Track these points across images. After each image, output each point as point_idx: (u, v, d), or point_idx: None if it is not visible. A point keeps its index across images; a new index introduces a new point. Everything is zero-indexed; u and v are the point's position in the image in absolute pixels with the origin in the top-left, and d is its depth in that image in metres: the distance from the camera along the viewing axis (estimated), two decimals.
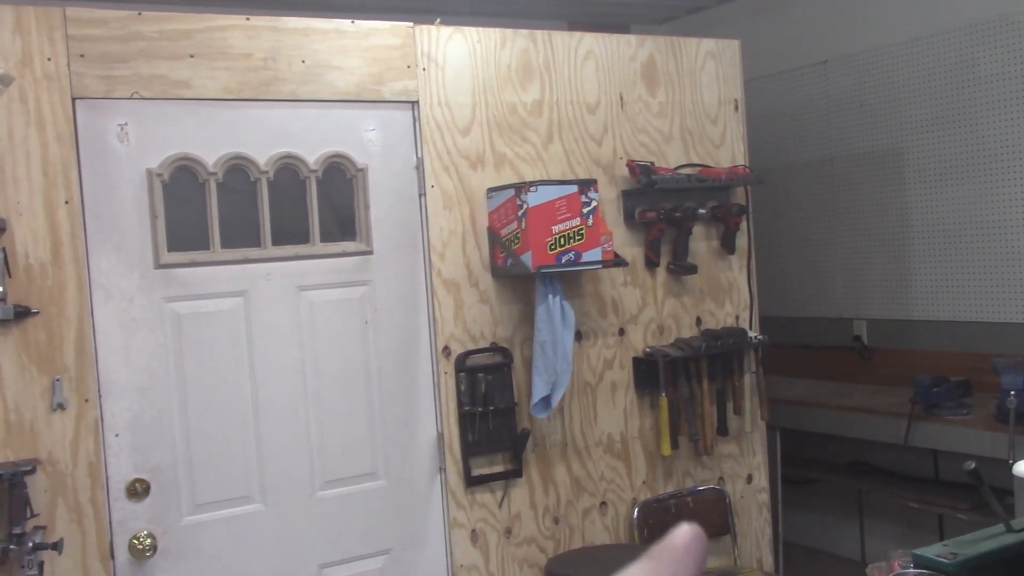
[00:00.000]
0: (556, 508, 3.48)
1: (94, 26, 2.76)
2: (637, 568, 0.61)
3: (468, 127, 3.35)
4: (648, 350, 3.65)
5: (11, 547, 2.50)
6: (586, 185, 3.30)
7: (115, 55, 2.79)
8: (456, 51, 3.33)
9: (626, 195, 3.64)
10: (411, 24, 3.26)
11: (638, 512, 3.62)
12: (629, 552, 3.43)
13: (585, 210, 3.27)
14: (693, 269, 3.73)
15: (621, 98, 3.64)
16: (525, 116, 3.45)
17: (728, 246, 3.85)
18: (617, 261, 3.49)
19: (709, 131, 3.84)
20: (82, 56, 2.74)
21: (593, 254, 3.29)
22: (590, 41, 3.60)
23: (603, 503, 3.58)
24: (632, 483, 3.65)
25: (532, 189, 3.21)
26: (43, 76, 2.68)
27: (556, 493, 3.49)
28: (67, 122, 2.71)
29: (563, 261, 3.24)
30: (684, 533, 0.63)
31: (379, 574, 3.20)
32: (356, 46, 3.15)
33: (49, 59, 2.68)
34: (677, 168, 3.74)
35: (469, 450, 3.31)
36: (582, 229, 3.26)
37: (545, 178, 3.42)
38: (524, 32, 3.48)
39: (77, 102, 2.74)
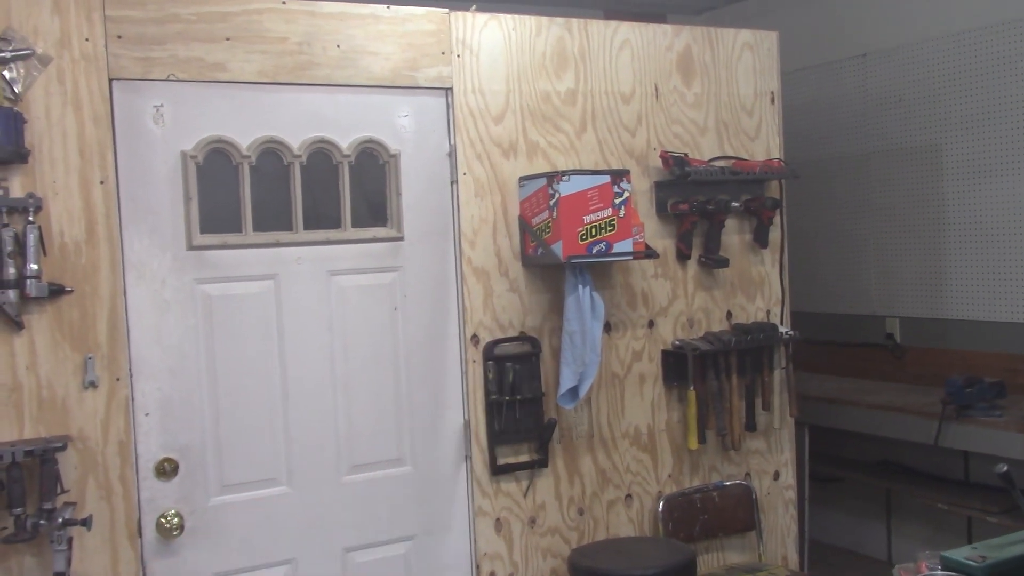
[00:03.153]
0: (581, 499, 3.48)
1: (132, 7, 2.77)
2: None
3: (501, 115, 3.33)
4: (677, 343, 3.63)
5: (41, 522, 2.52)
6: (619, 175, 3.28)
7: (152, 37, 2.80)
8: (491, 38, 3.32)
9: (659, 186, 3.62)
10: (447, 10, 3.25)
11: (663, 505, 3.60)
12: (653, 545, 3.42)
13: (617, 201, 3.26)
14: (725, 262, 3.70)
15: (656, 88, 3.62)
16: (559, 105, 3.43)
17: (761, 240, 3.82)
18: (648, 253, 3.46)
19: (744, 123, 3.80)
20: (119, 37, 2.75)
21: (624, 245, 3.27)
22: (626, 30, 3.57)
23: (628, 495, 3.57)
24: (658, 476, 3.63)
25: (564, 178, 3.19)
26: (81, 57, 2.69)
27: (581, 484, 3.48)
28: (103, 103, 2.72)
29: (594, 252, 3.23)
30: None
31: (403, 560, 3.21)
32: (391, 32, 3.14)
33: (87, 40, 2.70)
34: (711, 160, 3.71)
35: (495, 439, 3.30)
36: (614, 220, 3.25)
37: (578, 168, 3.40)
38: (560, 20, 3.46)
39: (114, 83, 2.75)
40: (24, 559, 2.61)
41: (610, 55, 3.53)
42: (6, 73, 2.58)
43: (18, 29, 2.60)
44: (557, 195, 3.18)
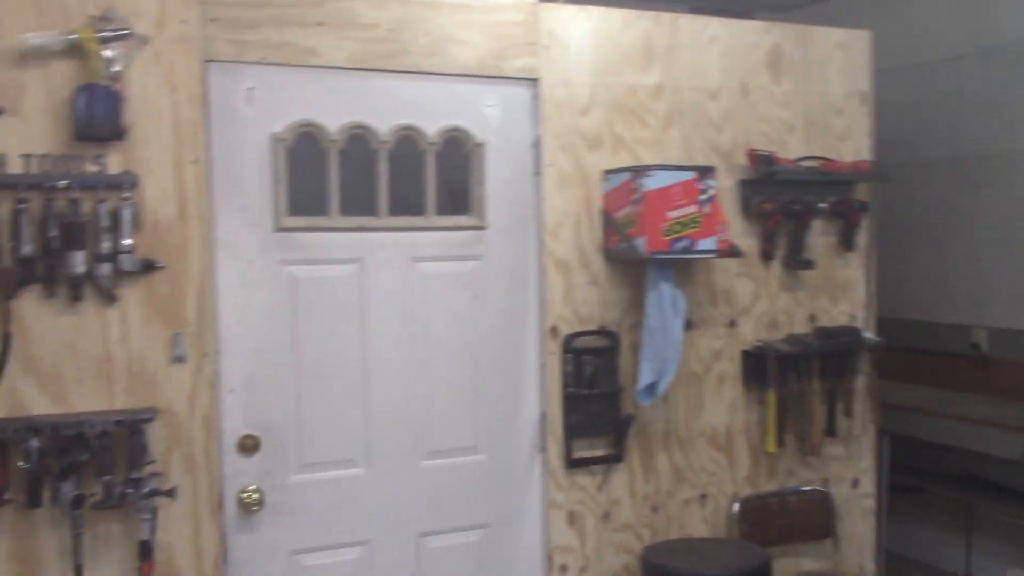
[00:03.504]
0: (655, 496, 3.44)
1: None
2: None
3: (587, 107, 3.32)
4: (758, 344, 3.58)
5: (128, 491, 2.59)
6: (704, 172, 3.24)
7: (246, 20, 2.85)
8: (578, 30, 3.31)
9: (744, 185, 3.57)
10: (535, 1, 3.26)
11: (739, 507, 3.55)
12: (727, 547, 3.38)
13: (702, 197, 3.22)
14: (809, 264, 3.64)
15: (744, 85, 3.57)
16: (645, 99, 3.41)
17: (847, 243, 3.74)
18: (732, 251, 3.42)
19: (833, 123, 3.73)
20: (215, 20, 2.81)
21: (708, 243, 3.24)
22: (715, 26, 3.53)
23: (703, 495, 3.52)
24: (734, 477, 3.58)
25: (650, 173, 3.17)
26: (177, 38, 2.75)
27: (656, 481, 3.44)
28: (198, 84, 2.78)
29: (677, 248, 3.20)
30: None
31: (476, 547, 3.22)
32: (480, 21, 3.16)
33: (184, 21, 2.75)
34: (798, 160, 3.65)
35: (571, 432, 3.29)
36: (698, 217, 3.21)
37: (663, 163, 3.37)
38: (648, 13, 3.43)
39: (208, 65, 2.81)
40: (111, 526, 2.67)
41: (698, 50, 3.50)
42: (106, 52, 2.64)
43: (119, 9, 2.66)
44: (642, 190, 3.16)
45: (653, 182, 3.17)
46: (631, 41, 3.39)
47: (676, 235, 3.19)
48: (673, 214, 3.19)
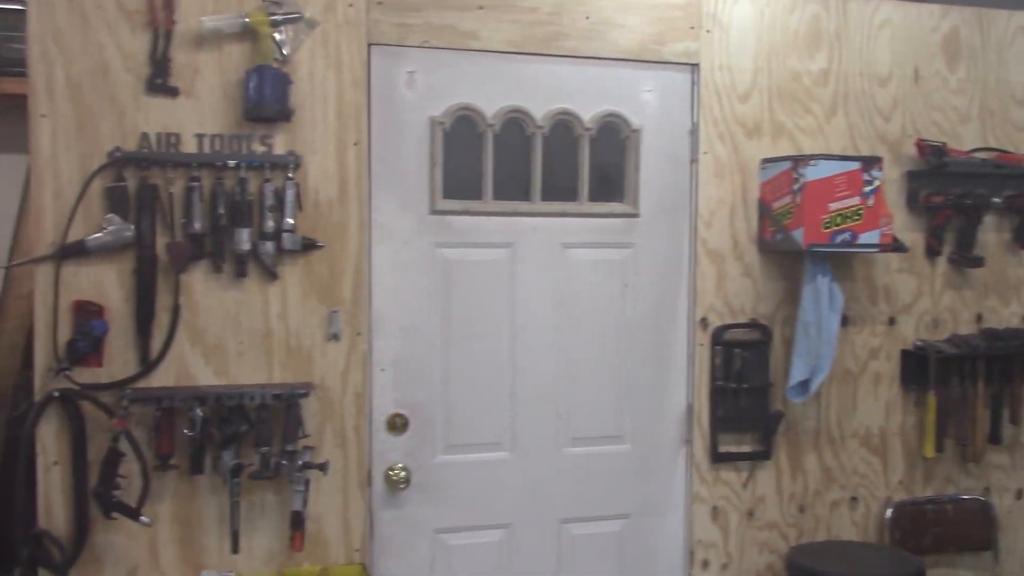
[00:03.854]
0: (803, 496, 3.34)
1: None
2: None
3: (748, 94, 3.23)
4: (919, 343, 3.42)
5: (283, 462, 2.67)
6: (870, 162, 3.11)
7: (409, 4, 2.88)
8: (743, 14, 3.21)
9: (911, 176, 3.40)
10: None
11: (891, 512, 3.41)
12: (878, 553, 3.25)
13: (866, 189, 3.09)
14: (979, 262, 3.45)
15: (916, 72, 3.40)
16: (809, 85, 3.29)
17: (1022, 240, 3.53)
18: (896, 246, 3.27)
19: (1013, 114, 3.52)
20: (380, 3, 2.85)
21: (870, 236, 3.11)
22: (887, 9, 3.37)
23: (854, 498, 3.40)
24: (887, 481, 3.44)
25: (811, 163, 3.06)
26: (344, 22, 2.80)
27: (804, 481, 3.34)
28: (362, 67, 2.82)
29: (837, 241, 3.08)
30: None
31: (617, 537, 3.20)
32: (641, 4, 3.10)
33: (351, 5, 2.80)
34: (972, 151, 3.45)
35: (718, 425, 3.22)
36: (861, 209, 3.08)
37: (825, 152, 3.25)
38: None
39: (372, 48, 2.85)
40: (266, 495, 2.77)
41: (868, 35, 3.35)
42: (277, 35, 2.71)
43: None
44: (802, 180, 3.05)
45: (815, 172, 3.05)
46: (797, 25, 3.27)
47: (837, 227, 3.08)
48: (835, 206, 3.07)
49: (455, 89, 2.96)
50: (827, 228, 3.07)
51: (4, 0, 3.16)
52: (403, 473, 2.94)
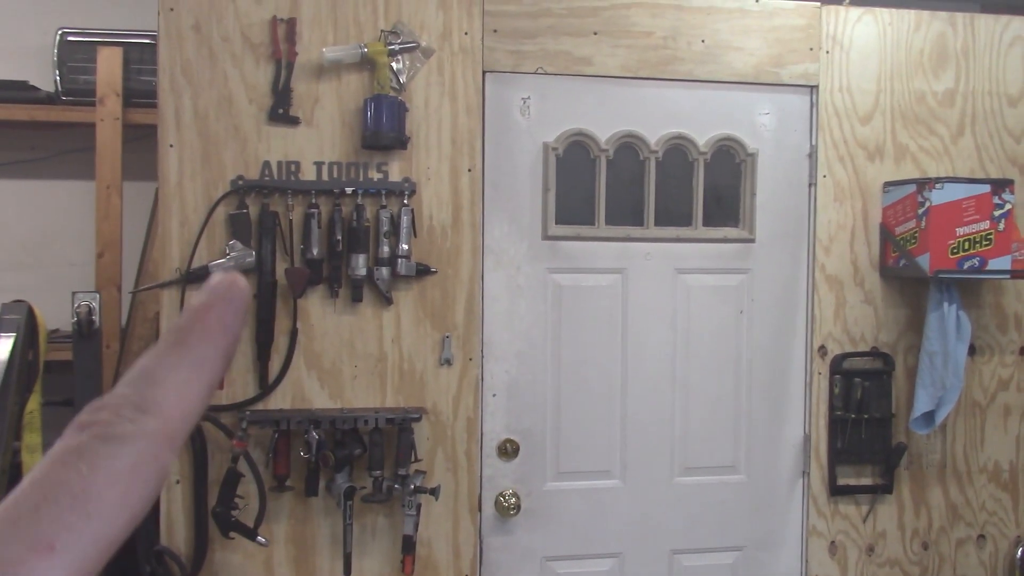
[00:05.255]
0: (926, 533, 3.21)
1: (508, 2, 2.87)
2: (156, 356, 0.45)
3: (869, 115, 3.13)
4: None
5: (396, 486, 2.69)
6: (1001, 185, 2.98)
7: (524, 31, 2.88)
8: (864, 34, 3.12)
9: None
10: (818, 4, 3.10)
11: (1022, 552, 3.25)
12: None
13: (997, 213, 2.96)
14: None
15: None
16: (934, 106, 3.18)
17: None
18: None
19: None
20: (495, 31, 2.86)
21: (1001, 262, 2.97)
22: (1018, 25, 3.23)
23: (981, 536, 3.25)
24: (1018, 519, 3.28)
25: (937, 186, 2.95)
26: (459, 50, 2.82)
27: (928, 517, 3.21)
28: (476, 94, 2.84)
29: (965, 267, 2.96)
30: (213, 295, 0.47)
31: (729, 570, 3.12)
32: (758, 26, 3.04)
33: (466, 33, 2.82)
34: None
35: (836, 457, 3.12)
36: (991, 234, 2.96)
37: (951, 175, 3.13)
38: (942, 14, 3.19)
39: (487, 75, 2.87)
40: (378, 519, 2.79)
41: (997, 52, 3.22)
42: (394, 64, 2.75)
43: (407, 23, 2.77)
44: (927, 203, 2.94)
45: (941, 196, 2.94)
46: (922, 44, 3.16)
47: (964, 253, 2.96)
48: (962, 230, 2.95)
49: (568, 115, 2.95)
50: (954, 254, 2.95)
51: (134, 34, 3.29)
52: (513, 499, 2.94)
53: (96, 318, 2.70)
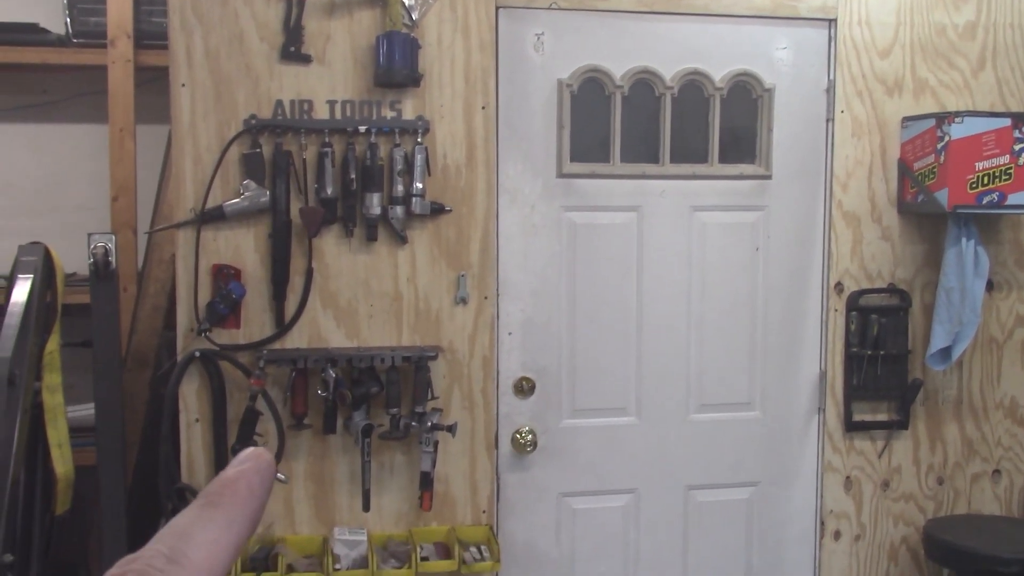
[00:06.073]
0: (942, 468, 3.22)
1: None
2: (188, 516, 0.48)
3: (888, 49, 3.08)
4: None
5: (413, 424, 2.71)
6: (1022, 119, 2.94)
7: None
8: None
9: None
10: None
11: None
12: (1022, 528, 3.11)
13: (1017, 147, 2.93)
14: None
15: None
16: (955, 39, 3.12)
17: None
18: None
19: None
20: None
21: (1020, 197, 2.95)
22: None
23: (996, 471, 3.26)
24: None
25: (957, 120, 2.91)
26: None
27: (943, 452, 3.22)
28: (489, 30, 2.81)
29: (984, 202, 2.93)
30: (244, 466, 0.50)
31: (745, 504, 3.15)
32: None
33: None
34: None
35: (852, 393, 3.13)
36: (1011, 168, 2.92)
37: (971, 109, 3.09)
38: None
39: (500, 11, 2.83)
40: (395, 456, 2.82)
41: None
42: (405, 0, 2.72)
43: None
44: (947, 138, 2.91)
45: (961, 130, 2.91)
46: None
47: (984, 188, 2.93)
48: (982, 165, 2.92)
49: (583, 51, 2.92)
50: (973, 189, 2.92)
51: None
52: (529, 436, 2.96)
53: (112, 259, 2.70)
